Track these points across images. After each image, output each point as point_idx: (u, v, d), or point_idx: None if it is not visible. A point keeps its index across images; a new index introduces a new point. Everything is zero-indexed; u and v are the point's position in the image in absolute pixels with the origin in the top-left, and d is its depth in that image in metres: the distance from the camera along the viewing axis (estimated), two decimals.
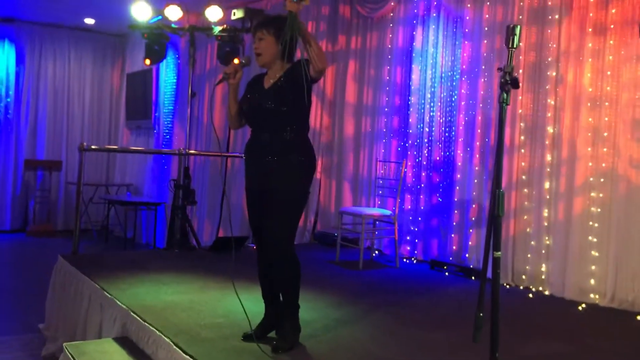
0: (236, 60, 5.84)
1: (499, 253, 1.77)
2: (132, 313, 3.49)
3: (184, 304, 3.72)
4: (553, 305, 4.25)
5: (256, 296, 3.24)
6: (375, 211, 5.31)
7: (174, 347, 2.97)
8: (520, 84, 1.69)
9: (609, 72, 4.27)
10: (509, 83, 1.81)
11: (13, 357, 4.17)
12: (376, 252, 5.76)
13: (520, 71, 4.71)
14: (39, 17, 8.70)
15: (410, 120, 5.80)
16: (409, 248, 5.72)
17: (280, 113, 2.93)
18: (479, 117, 5.13)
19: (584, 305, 4.18)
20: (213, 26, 5.91)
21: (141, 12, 5.81)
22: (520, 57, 4.74)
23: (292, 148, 2.96)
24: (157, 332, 3.17)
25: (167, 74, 8.55)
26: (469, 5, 5.27)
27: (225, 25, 5.93)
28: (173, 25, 5.93)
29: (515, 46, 1.84)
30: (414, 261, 5.56)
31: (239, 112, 3.16)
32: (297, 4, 2.79)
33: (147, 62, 6.18)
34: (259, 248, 3.14)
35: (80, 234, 5.15)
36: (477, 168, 5.13)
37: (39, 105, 9.23)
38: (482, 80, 5.11)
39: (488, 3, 5.09)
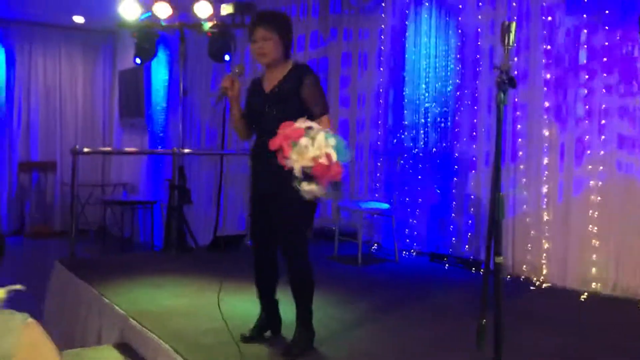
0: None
1: (501, 258, 1.73)
2: (130, 319, 3.45)
3: (182, 308, 3.69)
4: (555, 296, 4.22)
5: (254, 296, 3.21)
6: (373, 205, 5.26)
7: (174, 353, 2.95)
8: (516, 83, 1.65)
9: (605, 59, 4.21)
10: (506, 82, 1.76)
11: None
12: (375, 245, 5.73)
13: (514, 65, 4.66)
14: (28, 16, 8.57)
15: (405, 111, 5.73)
16: (407, 241, 5.67)
17: (284, 118, 2.76)
18: (475, 107, 5.08)
19: (586, 295, 4.15)
20: (203, 22, 5.82)
21: (129, 10, 5.71)
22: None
23: None
24: (157, 338, 3.14)
25: (159, 70, 8.46)
26: None
27: (215, 21, 5.84)
28: (162, 23, 5.84)
29: (511, 44, 1.79)
30: (414, 254, 5.53)
31: (247, 122, 3.04)
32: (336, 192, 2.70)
33: (138, 61, 6.10)
34: (257, 250, 3.08)
35: (78, 235, 5.10)
36: (474, 158, 5.09)
37: (31, 106, 9.12)
38: (477, 69, 5.05)
39: None
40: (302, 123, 2.63)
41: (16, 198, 9.07)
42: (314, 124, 2.65)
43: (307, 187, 2.55)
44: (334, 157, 2.54)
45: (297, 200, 2.78)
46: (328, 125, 2.86)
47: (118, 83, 9.34)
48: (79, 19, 8.66)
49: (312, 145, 2.52)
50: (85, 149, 5.75)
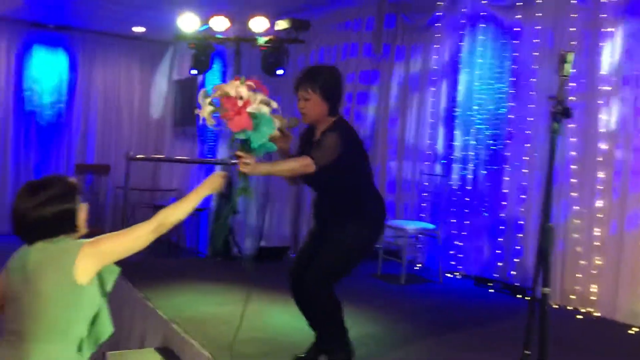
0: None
1: (548, 290, 1.70)
2: (173, 324, 3.52)
3: (224, 316, 3.73)
4: (603, 328, 4.09)
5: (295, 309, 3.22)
6: (419, 225, 5.23)
7: None
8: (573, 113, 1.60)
9: None
10: (561, 113, 1.73)
11: None
12: (419, 265, 5.68)
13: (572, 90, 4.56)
14: (91, 25, 8.92)
15: (455, 132, 5.69)
16: (452, 262, 5.60)
17: (327, 171, 2.73)
18: (528, 131, 4.99)
19: (635, 329, 4.01)
20: (258, 37, 5.93)
21: (188, 23, 5.88)
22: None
23: (348, 214, 2.87)
24: (197, 345, 3.19)
25: (212, 81, 8.63)
26: (518, 16, 5.14)
27: (270, 36, 5.94)
28: (219, 36, 5.98)
29: (567, 74, 1.76)
30: (458, 276, 5.45)
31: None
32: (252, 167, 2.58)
33: (194, 72, 6.25)
34: (292, 273, 3.05)
35: None
36: (524, 183, 4.99)
37: (89, 110, 9.47)
38: (531, 92, 4.97)
39: (540, 14, 4.95)
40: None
41: None
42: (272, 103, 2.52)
43: (206, 108, 2.51)
44: (252, 112, 2.42)
45: (345, 244, 2.84)
46: (300, 164, 2.73)
47: (173, 92, 9.59)
48: (139, 30, 8.94)
49: (244, 91, 2.43)
50: (138, 156, 5.92)
